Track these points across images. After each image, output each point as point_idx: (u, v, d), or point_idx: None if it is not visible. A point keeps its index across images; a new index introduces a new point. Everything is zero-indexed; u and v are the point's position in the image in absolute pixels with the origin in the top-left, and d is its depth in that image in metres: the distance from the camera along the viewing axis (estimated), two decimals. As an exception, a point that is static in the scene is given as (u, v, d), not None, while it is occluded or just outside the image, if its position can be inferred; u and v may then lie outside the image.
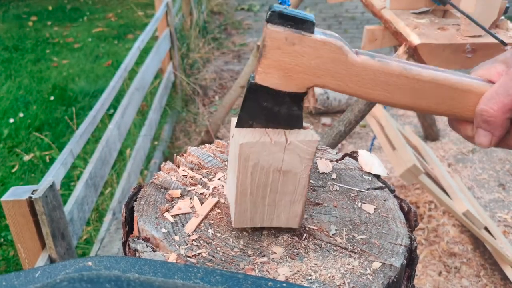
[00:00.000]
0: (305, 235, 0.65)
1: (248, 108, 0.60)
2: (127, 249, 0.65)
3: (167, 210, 0.67)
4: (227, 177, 0.73)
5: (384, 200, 0.73)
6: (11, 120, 3.97)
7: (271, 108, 0.59)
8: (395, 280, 0.58)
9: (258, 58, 0.58)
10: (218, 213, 0.68)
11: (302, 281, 0.56)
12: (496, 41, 1.44)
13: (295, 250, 0.62)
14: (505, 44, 1.43)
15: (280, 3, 2.42)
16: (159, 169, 0.79)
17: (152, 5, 6.76)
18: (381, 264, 0.59)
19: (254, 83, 0.59)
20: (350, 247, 0.62)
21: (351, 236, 0.64)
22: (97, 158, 2.13)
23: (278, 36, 0.56)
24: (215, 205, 0.69)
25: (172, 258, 0.59)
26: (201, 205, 0.69)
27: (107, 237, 2.38)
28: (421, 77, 0.59)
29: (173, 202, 0.69)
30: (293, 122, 0.61)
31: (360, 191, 0.75)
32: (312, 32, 0.56)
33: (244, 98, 0.60)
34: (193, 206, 0.68)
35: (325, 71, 0.58)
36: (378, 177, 0.80)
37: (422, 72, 0.59)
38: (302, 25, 0.56)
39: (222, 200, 0.71)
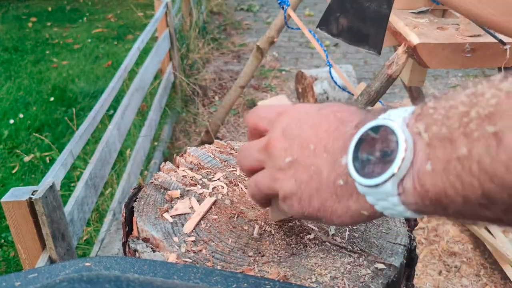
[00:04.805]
0: (305, 234, 0.65)
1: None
2: (127, 249, 0.65)
3: (167, 211, 0.67)
4: None
5: (384, 200, 0.73)
6: (11, 121, 3.97)
7: (362, 1, 0.58)
8: (394, 279, 0.58)
9: None
10: (218, 212, 0.68)
11: (301, 281, 0.56)
12: (496, 41, 1.44)
13: (295, 250, 0.62)
14: (504, 44, 1.44)
15: (279, 3, 2.41)
16: (159, 170, 0.79)
17: (151, 6, 6.76)
18: (380, 263, 0.60)
19: None
20: (349, 246, 0.63)
21: (350, 236, 0.65)
22: (97, 158, 2.13)
23: None
24: (213, 204, 0.69)
25: (172, 258, 0.59)
26: (199, 205, 0.69)
27: (107, 238, 2.38)
28: None
29: (172, 203, 0.69)
30: (379, 22, 0.60)
31: (360, 191, 0.75)
32: None
33: None
34: (192, 207, 0.68)
35: None
36: (377, 176, 0.80)
37: None
38: None
39: (221, 199, 0.71)
